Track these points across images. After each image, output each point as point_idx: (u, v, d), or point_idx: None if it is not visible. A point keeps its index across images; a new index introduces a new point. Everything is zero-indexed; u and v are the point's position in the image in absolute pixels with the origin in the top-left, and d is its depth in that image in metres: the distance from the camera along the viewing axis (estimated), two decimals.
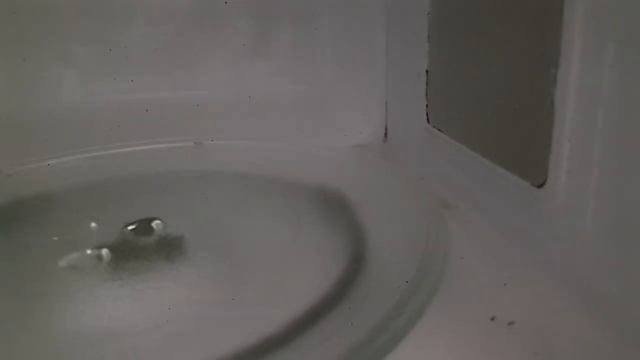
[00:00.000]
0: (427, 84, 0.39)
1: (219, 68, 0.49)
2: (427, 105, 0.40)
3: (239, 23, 0.48)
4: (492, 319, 0.24)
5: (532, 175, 0.27)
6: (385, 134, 0.49)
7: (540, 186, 0.27)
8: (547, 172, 0.26)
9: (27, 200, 0.36)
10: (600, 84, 0.22)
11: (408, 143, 0.45)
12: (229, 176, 0.39)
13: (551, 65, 0.24)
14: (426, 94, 0.40)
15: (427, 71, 0.39)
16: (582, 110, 0.23)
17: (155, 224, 0.32)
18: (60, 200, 0.36)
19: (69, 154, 0.41)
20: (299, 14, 0.49)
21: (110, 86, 0.47)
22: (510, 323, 0.24)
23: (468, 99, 0.34)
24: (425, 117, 0.40)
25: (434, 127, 0.39)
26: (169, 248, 0.30)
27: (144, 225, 0.32)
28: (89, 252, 0.30)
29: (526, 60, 0.27)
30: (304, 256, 0.30)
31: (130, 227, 0.32)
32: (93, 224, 0.32)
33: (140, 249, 0.30)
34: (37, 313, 0.25)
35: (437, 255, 0.25)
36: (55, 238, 0.31)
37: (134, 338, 0.23)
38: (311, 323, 0.23)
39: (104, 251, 0.30)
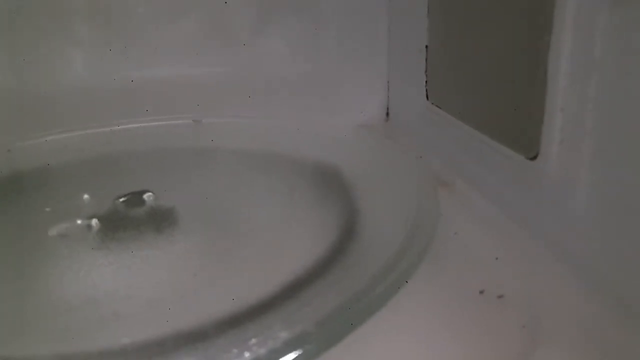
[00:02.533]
0: (426, 60, 0.39)
1: (220, 47, 0.49)
2: (426, 82, 0.39)
3: (242, 1, 0.48)
4: (481, 292, 0.24)
5: (526, 147, 0.26)
6: (387, 114, 0.49)
7: (533, 158, 0.26)
8: (540, 144, 0.25)
9: (25, 174, 0.36)
10: (593, 51, 0.22)
11: (408, 121, 0.45)
12: (225, 152, 0.39)
13: (545, 33, 0.24)
14: (426, 71, 0.39)
15: (426, 47, 0.38)
16: (575, 78, 0.23)
17: (146, 196, 0.32)
18: (56, 174, 0.36)
19: (68, 131, 0.41)
20: None
21: (111, 65, 0.47)
22: (500, 296, 0.24)
23: (464, 74, 0.34)
24: (424, 94, 0.39)
25: (432, 104, 0.39)
26: (159, 219, 0.30)
27: (135, 198, 0.32)
28: (79, 222, 0.30)
29: (521, 29, 0.27)
30: (295, 228, 0.30)
31: (121, 199, 0.32)
32: (86, 196, 0.32)
33: (130, 219, 0.30)
34: (24, 278, 0.25)
35: (425, 229, 0.25)
36: (48, 209, 0.31)
37: (116, 303, 0.23)
38: (297, 289, 0.22)
39: (94, 221, 0.30)
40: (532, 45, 0.25)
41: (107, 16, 0.46)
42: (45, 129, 0.41)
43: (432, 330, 0.22)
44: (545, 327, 0.22)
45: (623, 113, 0.21)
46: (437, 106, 0.38)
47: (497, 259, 0.26)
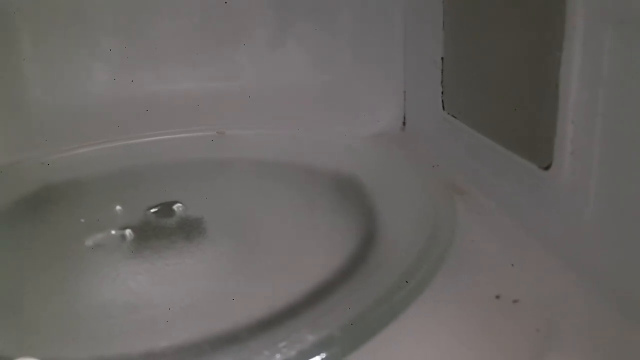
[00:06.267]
0: (442, 71, 0.40)
1: (241, 60, 0.50)
2: (442, 93, 0.40)
3: (260, 14, 0.50)
4: (497, 297, 0.25)
5: (539, 157, 0.28)
6: (404, 123, 0.50)
7: (546, 168, 0.27)
8: (553, 154, 0.26)
9: (59, 186, 0.38)
10: (601, 66, 0.23)
11: (425, 131, 0.46)
12: (248, 163, 0.40)
13: (556, 49, 0.25)
14: (442, 82, 0.40)
15: (442, 58, 0.40)
16: (584, 92, 0.24)
17: (176, 206, 0.34)
18: (89, 186, 0.38)
19: (98, 144, 0.43)
20: (318, 4, 0.49)
21: (138, 78, 0.48)
22: (515, 301, 0.25)
23: (480, 85, 0.35)
24: (440, 104, 0.41)
25: (449, 114, 0.40)
26: (189, 229, 0.31)
27: (166, 208, 0.34)
28: (113, 232, 0.31)
29: (533, 45, 0.28)
30: (317, 237, 0.31)
31: (152, 210, 0.34)
32: (118, 207, 0.34)
33: (162, 229, 0.32)
34: (65, 287, 0.27)
35: (443, 236, 0.26)
36: (83, 220, 0.33)
37: (153, 310, 0.24)
38: (321, 295, 0.24)
39: (128, 231, 0.31)
40: (544, 60, 0.26)
41: (131, 32, 0.48)
42: (76, 142, 0.43)
43: (450, 333, 0.23)
44: (558, 331, 0.23)
45: (629, 125, 0.22)
46: (452, 116, 0.39)
47: (512, 265, 0.27)
